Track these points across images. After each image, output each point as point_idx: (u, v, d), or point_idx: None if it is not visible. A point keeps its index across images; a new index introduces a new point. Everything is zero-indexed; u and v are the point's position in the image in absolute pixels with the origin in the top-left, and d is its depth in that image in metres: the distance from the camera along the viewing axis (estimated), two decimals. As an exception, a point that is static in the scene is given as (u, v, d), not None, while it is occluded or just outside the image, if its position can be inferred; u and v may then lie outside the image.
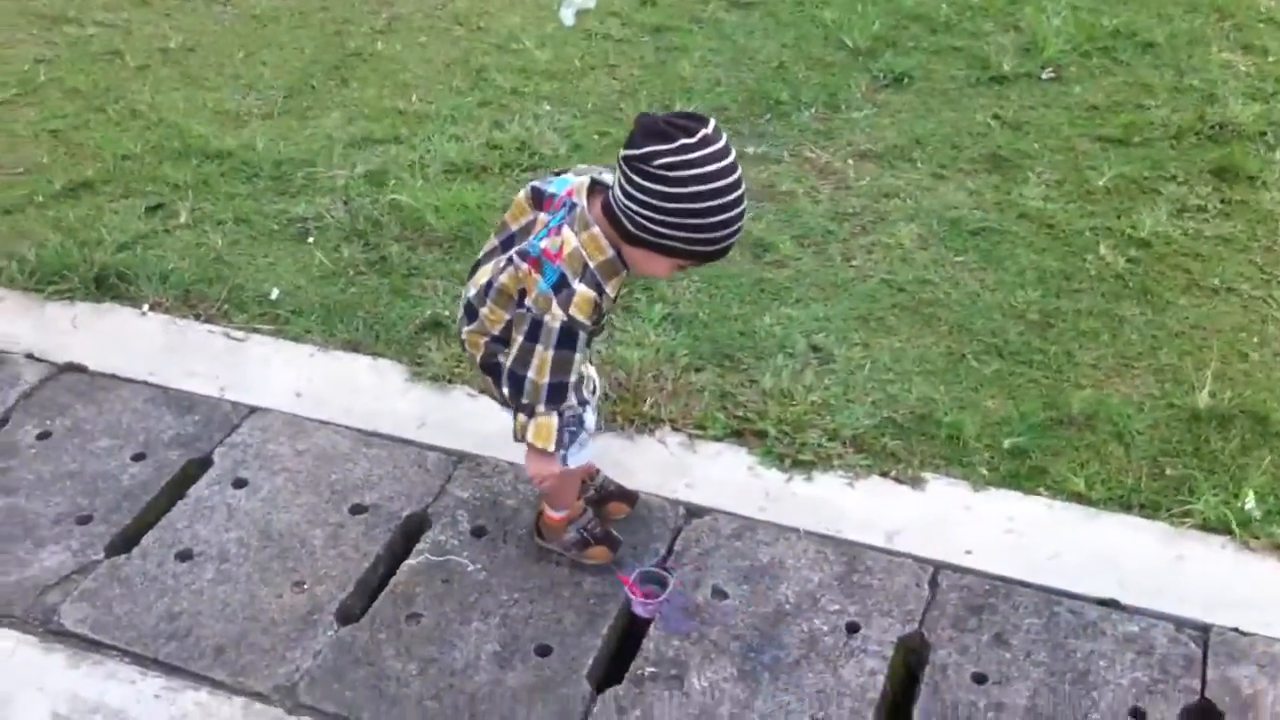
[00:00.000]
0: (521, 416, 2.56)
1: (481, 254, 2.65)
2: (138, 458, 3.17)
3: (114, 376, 3.43)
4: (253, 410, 3.30)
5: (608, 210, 2.41)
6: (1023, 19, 5.20)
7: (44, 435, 3.24)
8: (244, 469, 3.12)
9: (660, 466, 3.12)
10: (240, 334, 3.59)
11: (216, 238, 3.96)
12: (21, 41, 5.31)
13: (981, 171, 4.26)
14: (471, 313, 2.63)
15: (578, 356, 2.50)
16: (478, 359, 2.67)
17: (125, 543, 2.95)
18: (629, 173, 2.31)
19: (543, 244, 2.46)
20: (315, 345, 3.54)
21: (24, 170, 4.36)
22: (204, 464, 3.15)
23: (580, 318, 2.44)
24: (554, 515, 2.86)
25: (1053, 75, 4.83)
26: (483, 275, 2.59)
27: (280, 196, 4.18)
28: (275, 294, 3.72)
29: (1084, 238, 3.88)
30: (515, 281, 2.51)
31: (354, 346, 3.53)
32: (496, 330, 2.60)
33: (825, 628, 2.72)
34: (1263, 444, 3.12)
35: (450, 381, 3.36)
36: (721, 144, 2.29)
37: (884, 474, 3.08)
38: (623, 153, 2.31)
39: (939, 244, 3.89)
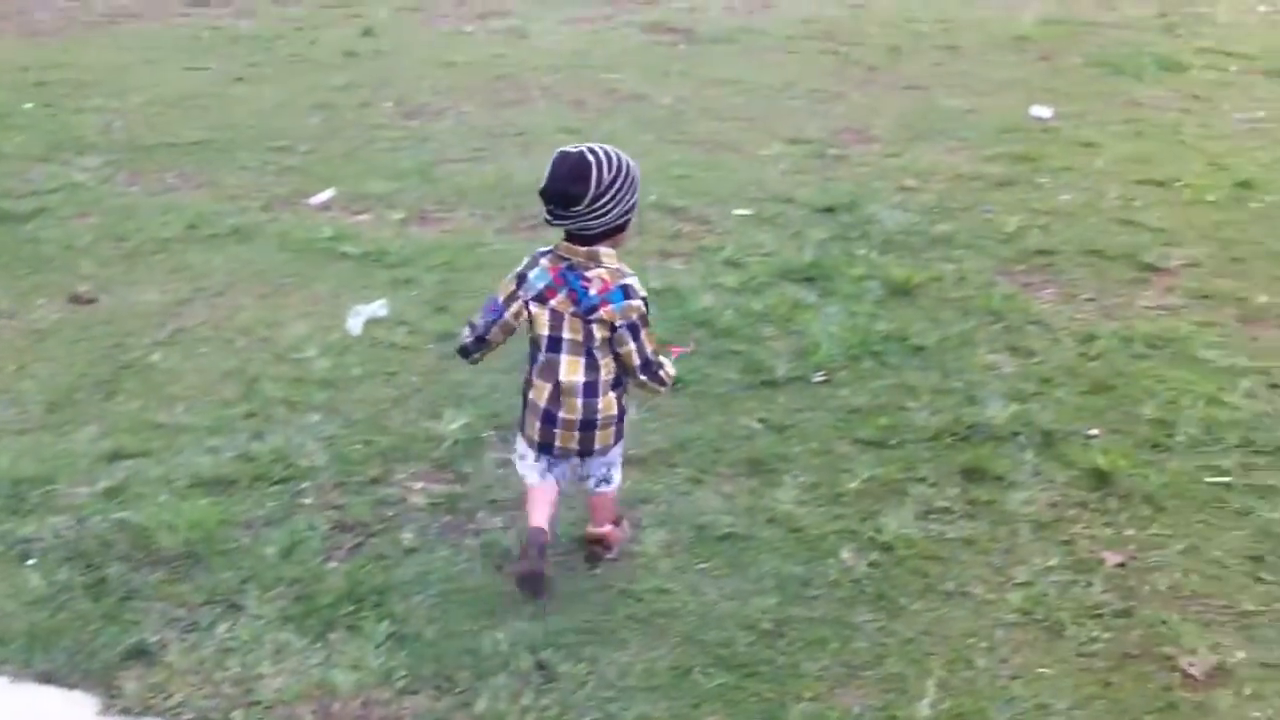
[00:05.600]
0: (664, 373, 3.50)
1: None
2: None
3: None
4: (-81, 752, 3.06)
5: (593, 239, 3.28)
6: (802, 325, 5.31)
7: None
8: (-109, 820, 2.86)
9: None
10: (-69, 666, 3.36)
11: (-69, 563, 3.77)
12: None
13: (740, 475, 4.24)
14: (589, 390, 3.42)
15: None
16: (601, 418, 3.50)
17: None
18: (609, 195, 3.21)
19: (593, 292, 3.28)
20: (8, 676, 3.31)
21: None
22: None
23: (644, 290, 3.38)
24: None
25: (824, 378, 4.90)
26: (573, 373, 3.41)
27: (11, 516, 4.00)
28: (-21, 621, 3.52)
29: (828, 542, 3.84)
30: (604, 331, 3.33)
31: (49, 678, 3.31)
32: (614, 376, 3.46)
33: None
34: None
35: (142, 715, 3.15)
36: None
37: (587, 803, 2.90)
38: (589, 198, 3.18)
39: (684, 551, 3.82)
